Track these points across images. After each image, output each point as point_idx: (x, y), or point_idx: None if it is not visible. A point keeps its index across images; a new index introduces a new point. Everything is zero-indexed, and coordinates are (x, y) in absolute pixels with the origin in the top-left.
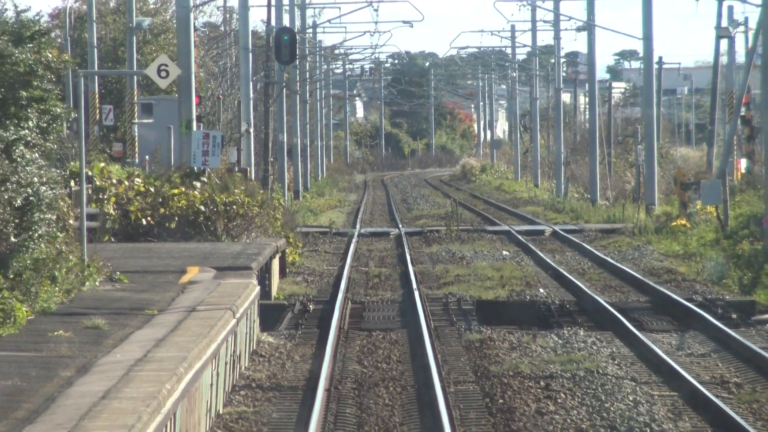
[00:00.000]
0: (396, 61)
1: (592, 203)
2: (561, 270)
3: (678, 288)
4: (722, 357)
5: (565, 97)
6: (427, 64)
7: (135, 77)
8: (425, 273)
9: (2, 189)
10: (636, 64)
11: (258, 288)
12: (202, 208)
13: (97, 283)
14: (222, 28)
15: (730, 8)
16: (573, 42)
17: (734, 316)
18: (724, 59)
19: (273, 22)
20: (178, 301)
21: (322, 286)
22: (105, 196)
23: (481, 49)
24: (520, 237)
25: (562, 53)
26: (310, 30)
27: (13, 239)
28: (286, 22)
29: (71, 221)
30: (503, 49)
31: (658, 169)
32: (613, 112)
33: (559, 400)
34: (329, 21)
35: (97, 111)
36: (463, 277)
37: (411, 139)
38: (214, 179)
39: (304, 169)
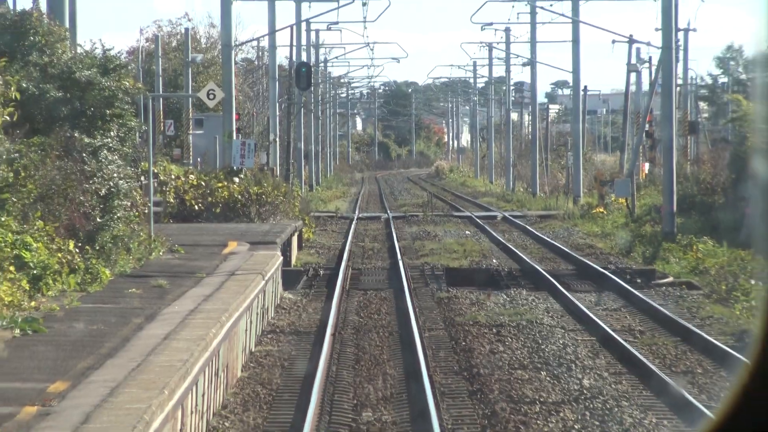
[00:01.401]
0: (386, 88)
1: (533, 195)
2: (509, 245)
3: (597, 259)
4: (629, 311)
5: (514, 116)
6: (410, 90)
7: (190, 99)
8: (407, 247)
9: (91, 182)
10: (567, 91)
11: (281, 258)
12: (240, 197)
13: (160, 253)
14: (256, 63)
15: (638, 50)
16: (520, 74)
17: (639, 280)
18: (633, 87)
19: (294, 58)
20: (221, 267)
21: (330, 257)
22: (167, 188)
23: (451, 79)
24: (478, 221)
25: (512, 82)
26: (322, 64)
27: (98, 219)
28: (304, 58)
29: (142, 206)
30: (467, 79)
31: (583, 170)
32: (549, 127)
33: (507, 343)
34: (336, 57)
35: (162, 124)
36: (436, 251)
37: (397, 146)
38: (248, 176)
39: (316, 168)
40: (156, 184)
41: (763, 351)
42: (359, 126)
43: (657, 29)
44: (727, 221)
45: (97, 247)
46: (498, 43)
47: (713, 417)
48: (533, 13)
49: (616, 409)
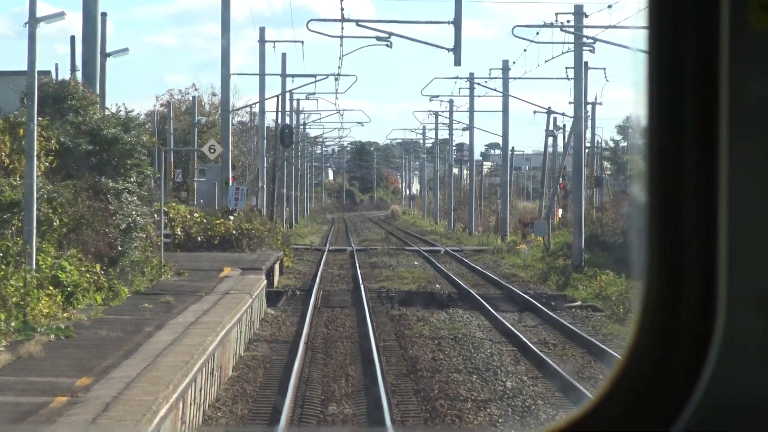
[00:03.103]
0: (353, 146)
1: (469, 234)
2: (449, 273)
3: (519, 285)
4: (545, 328)
5: (455, 170)
6: (372, 148)
7: (195, 152)
8: (367, 274)
9: (114, 218)
10: (498, 151)
11: (266, 281)
12: (234, 232)
13: (169, 276)
14: (248, 124)
15: (555, 119)
16: (461, 137)
17: (553, 303)
18: (551, 149)
19: (279, 121)
20: (218, 288)
21: (305, 281)
22: (175, 224)
23: (404, 139)
24: (425, 253)
25: (454, 143)
26: (302, 126)
27: (120, 248)
28: (287, 121)
29: (155, 238)
30: (418, 140)
31: (509, 214)
32: (483, 180)
33: (446, 352)
34: (313, 121)
35: (172, 172)
36: (390, 277)
37: (361, 193)
38: (241, 215)
39: (295, 209)
40: (166, 220)
41: (631, 352)
42: (330, 176)
43: (570, 102)
44: (624, 256)
45: (118, 270)
46: (443, 112)
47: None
48: (472, 88)
49: (533, 407)
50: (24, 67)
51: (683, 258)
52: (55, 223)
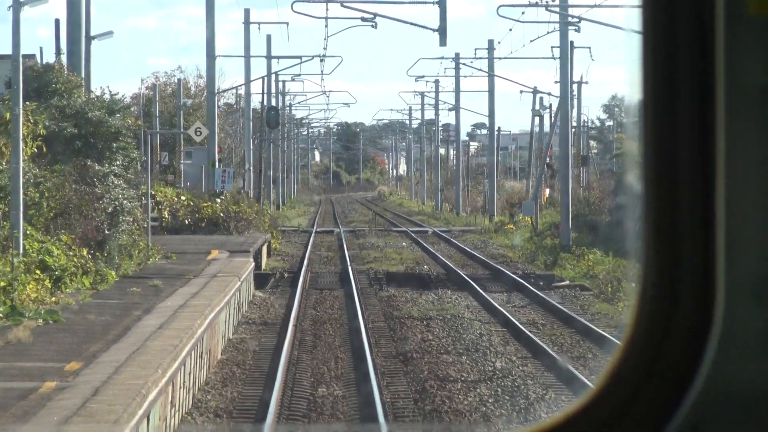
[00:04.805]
0: (339, 127)
1: (457, 214)
2: (437, 254)
3: (507, 266)
4: (533, 308)
5: (442, 151)
6: (358, 129)
7: (181, 135)
8: (355, 255)
9: (101, 201)
10: (484, 131)
11: (254, 263)
12: (221, 214)
13: (157, 259)
14: (234, 106)
15: (541, 98)
16: (447, 117)
17: (541, 283)
18: (537, 129)
19: (265, 103)
20: (206, 271)
21: (293, 263)
22: (163, 207)
23: (391, 120)
24: (413, 234)
25: (440, 124)
26: (288, 108)
27: (107, 232)
28: (273, 102)
29: (142, 221)
30: (404, 120)
31: (497, 194)
32: (470, 160)
33: (435, 332)
34: (299, 103)
35: (158, 155)
36: (378, 258)
37: (348, 174)
38: (228, 197)
39: (282, 191)
40: (153, 203)
41: (631, 337)
42: (317, 158)
43: (556, 82)
44: (611, 235)
45: (106, 254)
46: (429, 92)
47: (592, 388)
48: (457, 68)
49: (523, 387)
50: (7, 51)
51: (680, 246)
52: (44, 208)
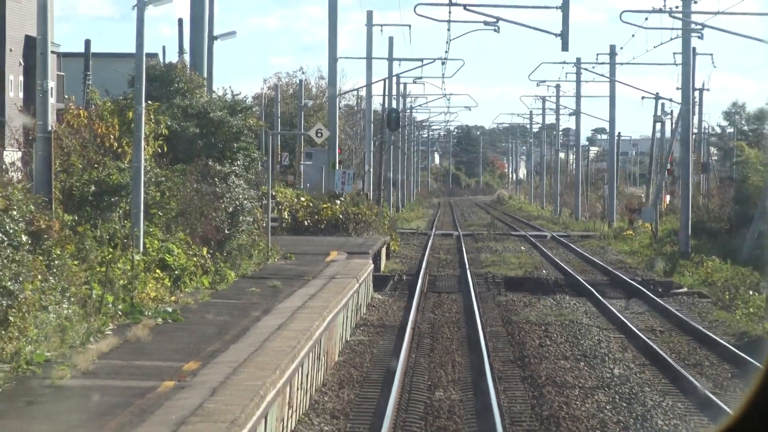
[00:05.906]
0: (459, 130)
1: (575, 219)
2: (556, 259)
3: (626, 272)
4: (652, 314)
5: (561, 155)
6: (478, 132)
7: (302, 136)
8: (473, 259)
9: (221, 201)
10: (604, 136)
11: (372, 265)
12: (340, 215)
13: (276, 260)
14: (355, 108)
15: (662, 104)
16: (567, 122)
17: (660, 290)
18: (658, 134)
19: (386, 105)
20: (324, 272)
21: (411, 265)
22: (282, 207)
23: (511, 124)
24: (531, 239)
25: (560, 128)
26: (408, 110)
27: (227, 231)
28: (394, 105)
29: (262, 222)
30: (525, 124)
31: (616, 199)
32: (589, 165)
33: (553, 338)
34: (420, 105)
35: (279, 156)
36: (496, 262)
37: (467, 177)
38: (347, 199)
39: (401, 193)
40: (273, 204)
41: None
42: (437, 160)
43: (678, 88)
44: (731, 243)
45: (225, 254)
46: (550, 97)
47: (732, 414)
48: (578, 73)
49: (641, 394)
50: (130, 50)
51: None
52: (170, 206)
